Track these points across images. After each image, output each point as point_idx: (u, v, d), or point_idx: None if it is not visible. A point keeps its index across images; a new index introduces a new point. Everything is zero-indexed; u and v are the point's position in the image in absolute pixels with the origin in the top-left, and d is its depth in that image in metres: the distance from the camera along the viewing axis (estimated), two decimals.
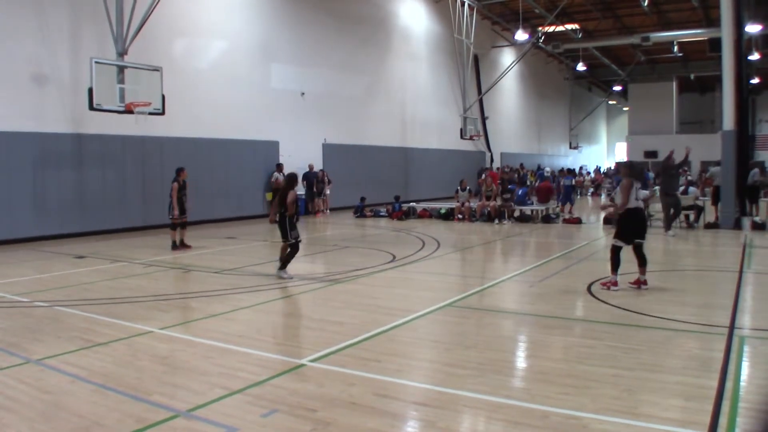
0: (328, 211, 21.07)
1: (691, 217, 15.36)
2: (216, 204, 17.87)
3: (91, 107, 12.44)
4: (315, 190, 20.57)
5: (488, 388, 4.44)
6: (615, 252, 7.87)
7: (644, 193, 16.56)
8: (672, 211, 13.98)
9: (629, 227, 7.83)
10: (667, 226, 13.90)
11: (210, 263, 10.54)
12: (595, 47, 36.67)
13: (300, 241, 9.05)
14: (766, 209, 17.63)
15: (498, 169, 30.30)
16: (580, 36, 34.28)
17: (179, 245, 12.17)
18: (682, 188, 16.01)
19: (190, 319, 6.62)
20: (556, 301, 7.38)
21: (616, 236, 7.91)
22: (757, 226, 14.58)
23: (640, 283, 7.86)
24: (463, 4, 27.31)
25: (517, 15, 29.55)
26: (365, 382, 4.60)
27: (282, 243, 9.13)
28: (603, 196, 29.37)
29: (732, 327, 5.96)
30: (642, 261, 7.86)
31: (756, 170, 17.41)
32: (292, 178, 9.23)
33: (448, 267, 10.61)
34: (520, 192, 18.84)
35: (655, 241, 13.41)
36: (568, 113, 48.09)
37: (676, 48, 35.78)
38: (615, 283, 7.83)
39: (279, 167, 19.11)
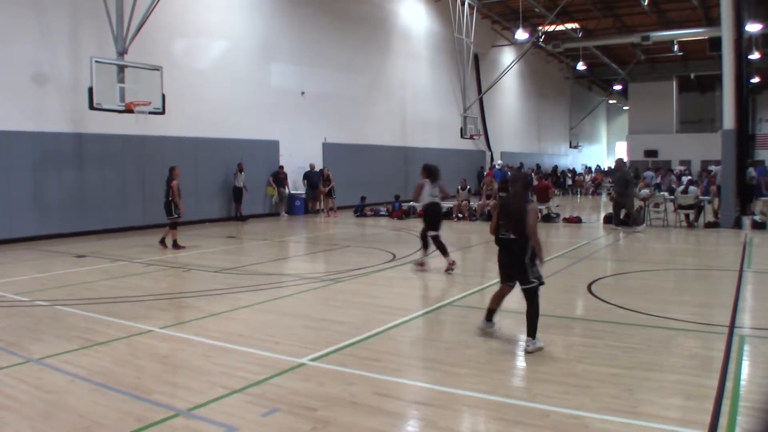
0: (332, 211, 20.67)
1: (692, 216, 15.36)
2: (216, 203, 17.89)
3: (92, 107, 12.43)
4: (322, 188, 20.40)
5: (488, 387, 4.44)
6: (437, 240, 9.23)
7: (645, 192, 16.67)
8: (625, 211, 15.17)
9: (433, 217, 9.29)
10: (636, 222, 15.02)
11: (210, 262, 10.54)
12: (595, 46, 36.65)
13: (541, 284, 5.51)
14: (765, 208, 17.59)
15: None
16: (580, 35, 34.26)
17: (174, 246, 12.13)
18: (682, 188, 16.43)
19: (190, 319, 6.61)
20: (556, 300, 7.37)
21: (428, 228, 9.33)
22: (758, 225, 14.57)
23: (423, 265, 9.31)
24: (463, 4, 27.28)
25: (517, 14, 29.54)
26: (365, 381, 4.60)
27: (503, 286, 5.77)
28: (603, 195, 29.40)
29: (732, 326, 5.96)
30: (439, 247, 9.19)
31: (751, 169, 17.41)
32: (527, 182, 5.86)
33: None
34: None
35: (655, 240, 13.42)
36: (569, 112, 48.07)
37: (676, 47, 35.75)
38: (453, 263, 9.12)
39: (240, 166, 17.89)
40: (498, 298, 5.83)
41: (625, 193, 14.99)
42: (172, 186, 11.93)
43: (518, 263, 5.42)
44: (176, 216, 12.03)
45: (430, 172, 9.46)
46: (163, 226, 12.56)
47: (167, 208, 12.03)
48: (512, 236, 5.40)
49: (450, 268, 9.11)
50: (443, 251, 9.20)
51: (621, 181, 15.24)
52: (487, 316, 5.85)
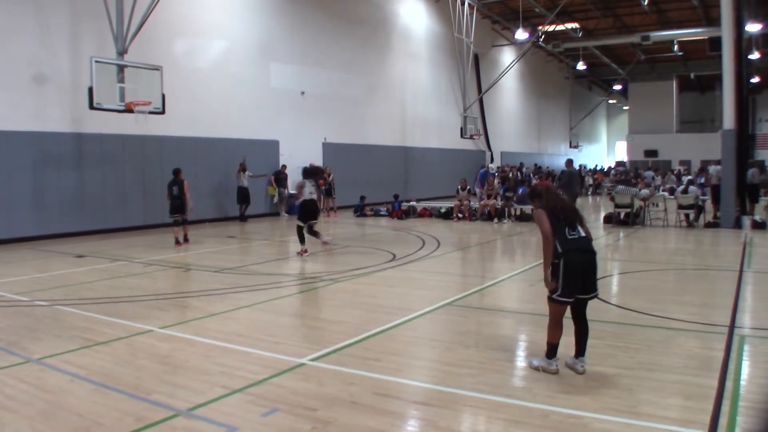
0: (332, 211, 20.46)
1: (692, 216, 15.36)
2: (215, 203, 17.88)
3: (92, 106, 12.41)
4: (323, 188, 20.27)
5: (488, 387, 4.44)
6: (299, 230, 10.92)
7: (645, 192, 16.67)
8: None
9: (304, 212, 10.86)
10: None
11: (210, 262, 10.54)
12: (595, 46, 36.65)
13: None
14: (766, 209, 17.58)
15: (498, 168, 30.27)
16: (580, 35, 34.26)
17: (184, 241, 12.52)
18: (682, 187, 16.53)
19: (190, 318, 6.61)
20: None
21: (299, 219, 10.96)
22: (758, 225, 14.57)
23: (327, 246, 11.18)
24: (463, 4, 27.28)
25: (517, 14, 29.55)
26: (365, 381, 4.60)
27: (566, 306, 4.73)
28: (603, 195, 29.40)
29: (732, 326, 5.95)
30: (314, 234, 10.99)
31: (755, 170, 17.39)
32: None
33: (448, 266, 10.60)
34: (520, 190, 18.83)
35: (655, 240, 13.42)
36: (569, 112, 48.09)
37: (676, 47, 35.76)
38: (306, 251, 10.85)
39: (242, 166, 17.79)
40: (560, 328, 4.64)
41: (566, 188, 15.88)
42: (185, 185, 12.23)
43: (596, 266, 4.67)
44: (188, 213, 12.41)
45: (308, 173, 11.07)
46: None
47: (179, 206, 12.28)
48: (583, 233, 4.65)
49: (301, 254, 10.86)
50: (302, 239, 10.91)
51: (564, 178, 16.71)
52: (549, 352, 4.67)
